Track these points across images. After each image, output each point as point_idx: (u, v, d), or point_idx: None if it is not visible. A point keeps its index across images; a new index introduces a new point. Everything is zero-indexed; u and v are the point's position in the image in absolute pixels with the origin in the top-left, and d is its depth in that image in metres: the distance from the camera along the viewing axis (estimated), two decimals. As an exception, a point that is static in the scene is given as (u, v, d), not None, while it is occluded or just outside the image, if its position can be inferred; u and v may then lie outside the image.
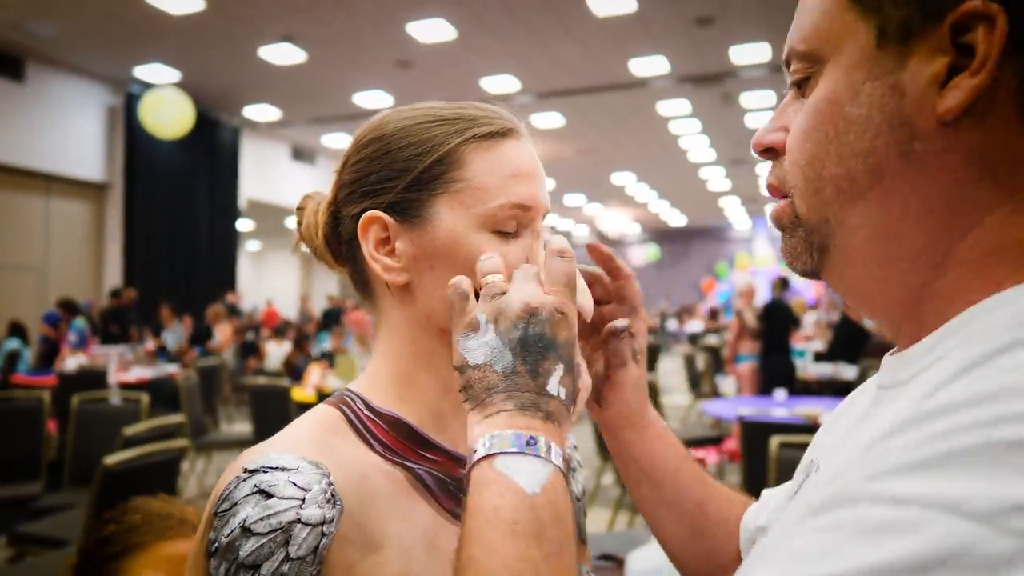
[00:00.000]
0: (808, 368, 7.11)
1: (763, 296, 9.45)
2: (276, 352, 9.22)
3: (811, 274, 0.49)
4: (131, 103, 10.18)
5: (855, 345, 6.94)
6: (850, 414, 0.55)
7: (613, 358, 0.70)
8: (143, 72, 9.95)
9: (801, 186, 0.46)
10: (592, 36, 8.60)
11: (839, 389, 6.43)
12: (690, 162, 15.66)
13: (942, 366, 0.38)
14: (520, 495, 0.46)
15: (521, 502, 0.45)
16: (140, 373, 6.82)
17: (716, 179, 17.65)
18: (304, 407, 5.88)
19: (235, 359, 9.03)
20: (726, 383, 7.74)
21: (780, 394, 5.32)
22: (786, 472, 3.18)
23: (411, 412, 0.64)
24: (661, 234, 27.67)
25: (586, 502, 0.81)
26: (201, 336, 7.88)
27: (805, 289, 19.31)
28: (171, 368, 7.20)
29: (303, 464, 0.56)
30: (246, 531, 0.52)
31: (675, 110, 11.75)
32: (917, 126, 0.41)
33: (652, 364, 10.05)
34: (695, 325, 19.52)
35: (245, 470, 0.55)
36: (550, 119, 12.13)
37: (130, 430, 3.03)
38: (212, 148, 11.78)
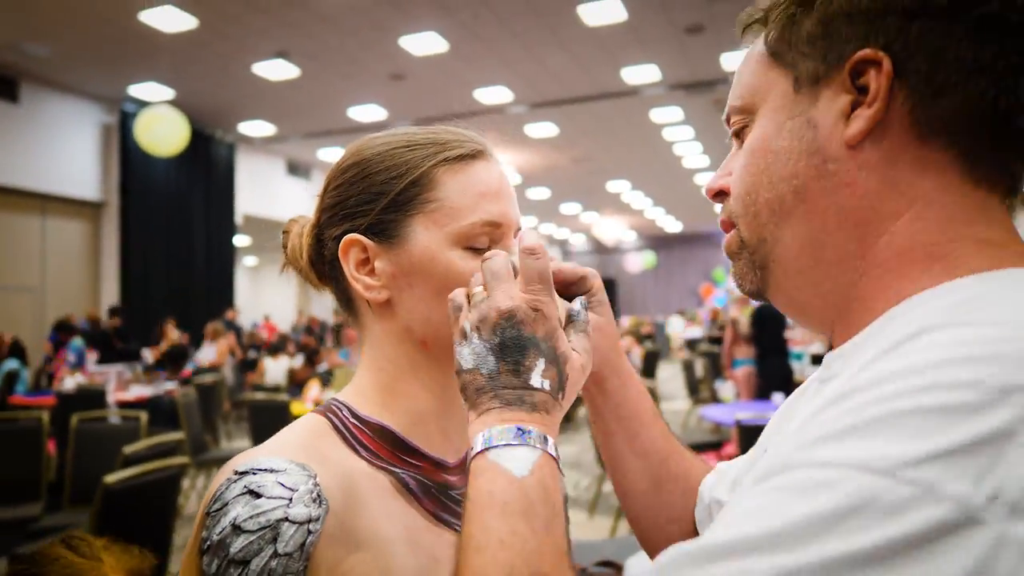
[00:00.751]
0: (805, 371, 7.12)
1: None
2: (274, 367, 9.20)
3: (757, 294, 0.58)
4: (126, 121, 10.21)
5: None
6: (797, 404, 0.65)
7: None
8: (137, 90, 9.99)
9: (742, 213, 0.56)
10: (583, 45, 8.65)
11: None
12: (684, 168, 15.72)
13: (863, 356, 0.45)
14: (509, 478, 0.50)
15: (510, 484, 0.50)
16: (139, 391, 6.81)
17: (710, 185, 17.71)
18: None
19: (234, 375, 9.01)
20: (725, 388, 7.74)
21: (778, 398, 5.32)
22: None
23: (394, 420, 0.68)
24: (657, 241, 27.72)
25: (568, 506, 0.83)
26: (180, 356, 7.88)
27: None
28: (169, 386, 7.19)
29: (290, 466, 0.58)
30: (236, 529, 0.55)
31: (668, 117, 11.80)
32: (829, 152, 0.50)
33: (652, 371, 10.04)
34: (694, 331, 19.49)
35: (236, 472, 0.58)
36: (544, 128, 12.18)
37: (130, 448, 3.02)
38: (207, 164, 11.80)
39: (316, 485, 0.58)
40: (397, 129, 0.72)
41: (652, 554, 0.77)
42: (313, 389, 6.19)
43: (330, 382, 6.36)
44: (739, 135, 0.58)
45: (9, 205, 9.50)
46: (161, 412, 6.17)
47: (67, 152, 10.02)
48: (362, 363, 0.71)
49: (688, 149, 13.99)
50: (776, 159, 0.53)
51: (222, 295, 12.23)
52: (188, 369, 7.92)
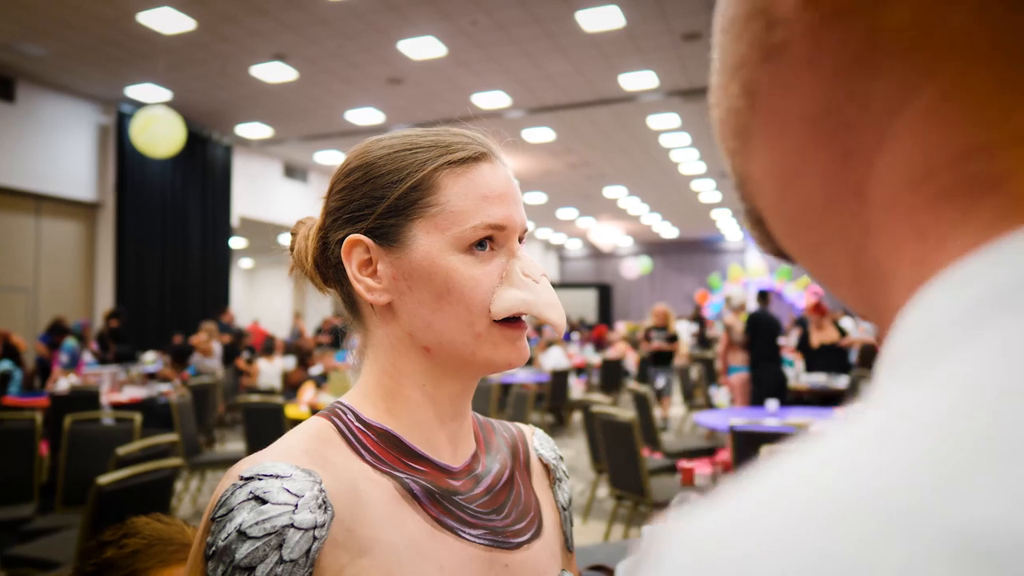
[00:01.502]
0: (800, 378, 7.14)
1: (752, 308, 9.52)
2: (268, 369, 9.18)
3: (778, 254, 0.34)
4: (122, 122, 10.20)
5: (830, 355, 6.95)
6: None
7: None
8: (134, 91, 9.98)
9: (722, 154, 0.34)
10: (581, 52, 8.68)
11: (831, 398, 6.46)
12: (681, 175, 15.75)
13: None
14: None
15: None
16: (132, 393, 6.79)
17: (707, 191, 17.75)
18: (298, 424, 5.87)
19: (230, 377, 8.98)
20: (719, 394, 7.76)
21: (772, 404, 5.34)
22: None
23: (399, 424, 0.67)
24: (654, 247, 27.76)
25: (572, 511, 0.83)
26: (185, 353, 7.87)
27: (796, 299, 19.40)
28: (164, 387, 7.17)
29: (296, 472, 0.58)
30: (242, 535, 0.54)
31: (665, 124, 11.83)
32: (775, 13, 0.27)
33: (645, 376, 10.06)
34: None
35: (241, 478, 0.57)
36: (541, 134, 12.20)
37: (123, 450, 3.02)
38: (204, 166, 11.79)
39: (322, 491, 0.58)
40: (403, 130, 0.72)
41: None
42: (308, 392, 6.18)
43: (324, 385, 6.35)
44: None
45: (4, 205, 9.47)
46: (155, 414, 6.16)
47: (63, 152, 10.00)
48: (365, 367, 0.71)
49: (685, 156, 14.03)
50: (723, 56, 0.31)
51: (217, 297, 12.21)
52: (186, 373, 7.91)
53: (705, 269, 25.83)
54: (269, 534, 0.55)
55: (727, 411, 5.88)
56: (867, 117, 0.26)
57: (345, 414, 0.67)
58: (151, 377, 8.06)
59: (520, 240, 0.69)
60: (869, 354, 7.22)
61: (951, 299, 0.22)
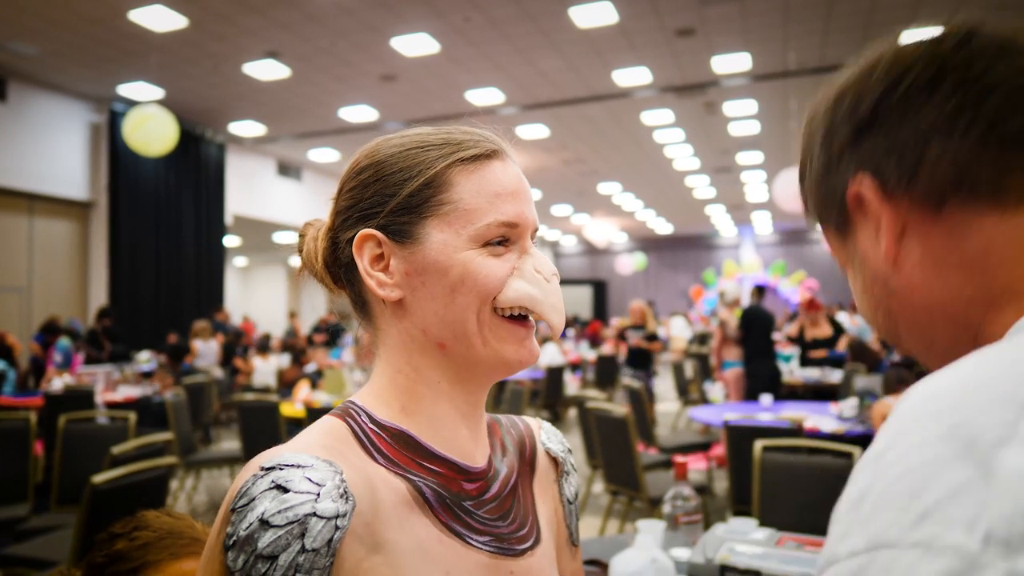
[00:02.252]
0: (794, 372, 7.17)
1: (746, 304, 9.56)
2: (263, 367, 9.17)
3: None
4: (115, 121, 10.16)
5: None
6: None
7: None
8: (126, 90, 9.94)
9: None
10: (574, 48, 8.68)
11: (824, 393, 6.49)
12: (675, 171, 15.77)
13: None
14: None
15: None
16: (127, 392, 6.77)
17: (701, 187, 17.77)
18: (293, 422, 5.78)
19: (225, 376, 8.97)
20: (714, 389, 7.78)
21: (766, 399, 5.35)
22: (770, 475, 3.20)
23: (414, 423, 0.67)
24: (648, 243, 27.80)
25: (578, 506, 0.84)
26: (180, 353, 7.86)
27: (790, 295, 19.46)
28: (158, 386, 7.15)
29: (317, 462, 0.58)
30: (264, 524, 0.54)
31: (659, 120, 11.85)
32: (882, 273, 0.54)
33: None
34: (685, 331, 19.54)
35: (262, 468, 0.57)
36: (535, 130, 12.20)
37: (118, 449, 3.01)
38: (197, 164, 11.75)
39: (343, 481, 0.58)
40: (413, 129, 0.72)
41: None
42: (303, 390, 6.18)
43: (319, 383, 6.34)
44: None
45: (-4, 204, 9.44)
46: (150, 413, 6.14)
47: (55, 151, 9.96)
48: (377, 366, 0.70)
49: (679, 151, 14.04)
50: (860, 298, 0.58)
51: (212, 296, 12.18)
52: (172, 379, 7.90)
53: (700, 265, 25.87)
54: (292, 523, 0.54)
55: (722, 406, 5.90)
56: (960, 298, 0.51)
57: (359, 415, 0.66)
58: (146, 376, 8.05)
59: (532, 238, 0.69)
60: (859, 350, 7.27)
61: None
